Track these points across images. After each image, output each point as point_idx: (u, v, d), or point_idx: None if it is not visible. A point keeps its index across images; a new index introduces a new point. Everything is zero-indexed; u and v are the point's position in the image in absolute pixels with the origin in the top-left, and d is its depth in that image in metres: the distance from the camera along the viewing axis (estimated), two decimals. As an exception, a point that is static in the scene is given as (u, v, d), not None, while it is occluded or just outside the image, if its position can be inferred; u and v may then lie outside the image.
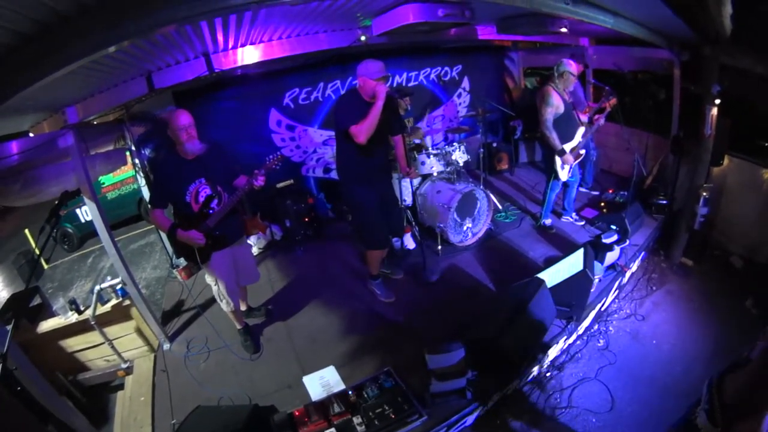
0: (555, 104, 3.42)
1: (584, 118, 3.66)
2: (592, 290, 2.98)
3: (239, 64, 2.73)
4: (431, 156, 3.87)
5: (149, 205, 2.42)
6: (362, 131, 2.40)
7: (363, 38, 2.89)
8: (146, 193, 3.89)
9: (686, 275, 3.70)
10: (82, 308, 3.08)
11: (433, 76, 5.15)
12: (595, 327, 3.25)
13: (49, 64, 1.63)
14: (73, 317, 3.07)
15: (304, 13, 2.39)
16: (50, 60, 1.62)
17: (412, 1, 2.51)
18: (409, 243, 3.93)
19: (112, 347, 3.04)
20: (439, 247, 3.78)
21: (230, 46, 2.65)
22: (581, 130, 3.61)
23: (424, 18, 2.50)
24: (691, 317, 3.25)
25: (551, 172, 3.67)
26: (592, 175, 4.60)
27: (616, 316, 3.38)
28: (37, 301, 3.78)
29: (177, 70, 2.65)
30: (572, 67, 3.39)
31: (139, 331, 3.07)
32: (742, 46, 3.07)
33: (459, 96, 5.49)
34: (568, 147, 3.55)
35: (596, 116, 3.58)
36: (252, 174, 2.27)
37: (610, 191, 4.28)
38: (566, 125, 3.51)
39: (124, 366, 3.08)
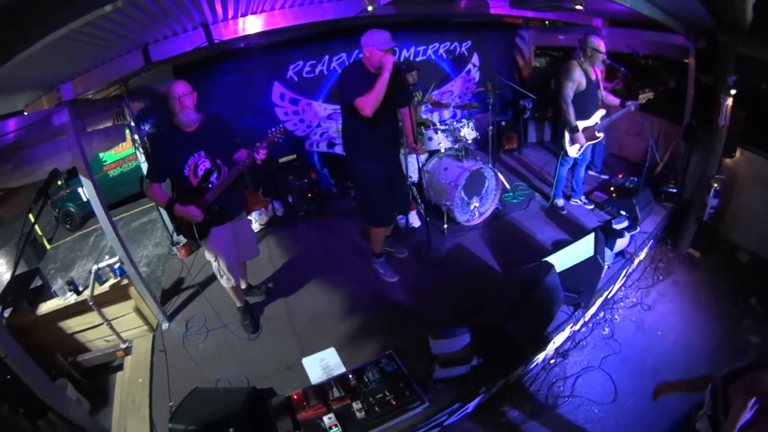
0: (577, 79, 3.32)
1: (614, 100, 3.54)
2: (601, 277, 2.90)
3: (240, 34, 2.62)
4: (439, 132, 3.74)
5: (146, 179, 2.35)
6: (368, 103, 2.31)
7: (370, 8, 2.77)
8: (145, 169, 3.76)
9: (693, 266, 3.65)
10: (80, 288, 3.05)
11: (441, 51, 5.00)
12: (601, 315, 3.20)
13: (37, 31, 1.53)
14: (71, 298, 3.04)
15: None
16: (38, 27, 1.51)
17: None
18: (414, 221, 3.84)
19: (111, 327, 3.01)
20: (445, 226, 3.69)
21: (230, 16, 2.53)
22: (600, 111, 3.51)
23: (432, -16, 2.38)
24: (696, 310, 3.21)
25: (561, 148, 3.60)
26: (601, 158, 4.50)
27: (622, 304, 3.33)
28: (38, 283, 3.78)
29: (175, 41, 2.54)
30: (599, 43, 3.27)
31: (138, 311, 3.03)
32: (762, 36, 2.94)
33: (468, 72, 5.35)
34: (582, 125, 3.45)
35: (628, 102, 3.47)
36: (253, 147, 2.19)
37: (620, 176, 4.18)
38: (585, 103, 3.41)
39: (123, 346, 3.06)
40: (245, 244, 2.72)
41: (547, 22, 5.34)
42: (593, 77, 3.43)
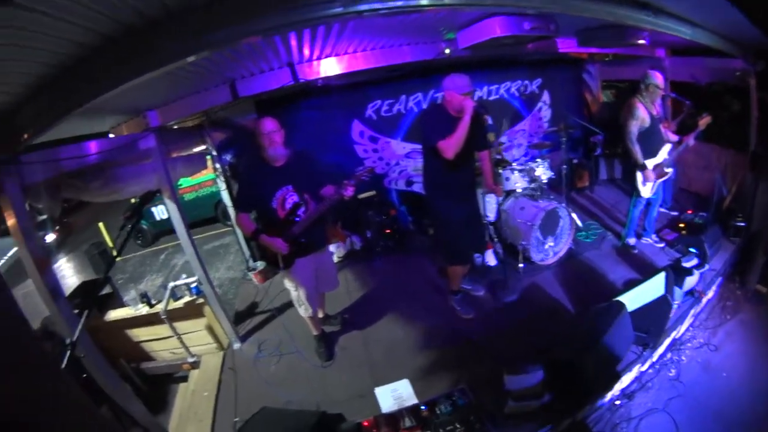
0: (641, 117, 3.28)
1: (673, 137, 3.49)
2: (670, 316, 2.83)
3: (323, 74, 2.76)
4: (515, 171, 3.80)
5: (234, 209, 2.47)
6: (450, 146, 2.37)
7: (447, 51, 2.86)
8: (226, 197, 4.01)
9: (760, 303, 3.46)
10: (153, 302, 3.21)
11: (513, 89, 5.08)
12: (668, 355, 3.08)
13: (131, 69, 1.66)
14: (143, 309, 3.19)
15: (391, 25, 2.39)
16: (133, 64, 1.64)
17: (497, 14, 2.46)
18: (490, 260, 3.85)
19: (181, 341, 3.14)
20: (521, 265, 3.70)
21: (315, 57, 2.68)
22: (666, 147, 3.45)
23: (510, 31, 2.45)
24: (762, 350, 3.03)
25: (634, 189, 3.54)
26: (671, 194, 4.37)
27: (689, 344, 3.19)
28: (107, 290, 4.00)
29: (261, 78, 2.71)
30: (658, 78, 3.24)
31: (210, 329, 3.15)
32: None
33: (540, 110, 5.38)
34: (650, 163, 3.40)
35: (686, 136, 3.42)
36: (341, 184, 2.27)
37: (689, 212, 4.06)
38: (651, 140, 3.37)
39: (190, 360, 3.17)
40: (326, 275, 2.78)
41: (609, 57, 5.29)
42: (656, 113, 3.40)
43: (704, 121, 3.41)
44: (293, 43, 2.41)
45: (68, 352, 1.53)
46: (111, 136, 3.51)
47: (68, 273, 6.70)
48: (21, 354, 1.04)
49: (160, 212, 6.62)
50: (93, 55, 1.61)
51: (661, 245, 3.87)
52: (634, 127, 3.29)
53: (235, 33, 1.53)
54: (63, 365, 1.49)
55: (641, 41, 3.31)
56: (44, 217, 8.30)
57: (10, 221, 1.98)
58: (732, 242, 3.77)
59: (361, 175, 2.29)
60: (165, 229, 6.69)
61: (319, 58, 2.73)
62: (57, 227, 8.75)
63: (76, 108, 1.80)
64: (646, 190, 3.49)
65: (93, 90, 1.75)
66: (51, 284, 2.08)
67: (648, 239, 3.93)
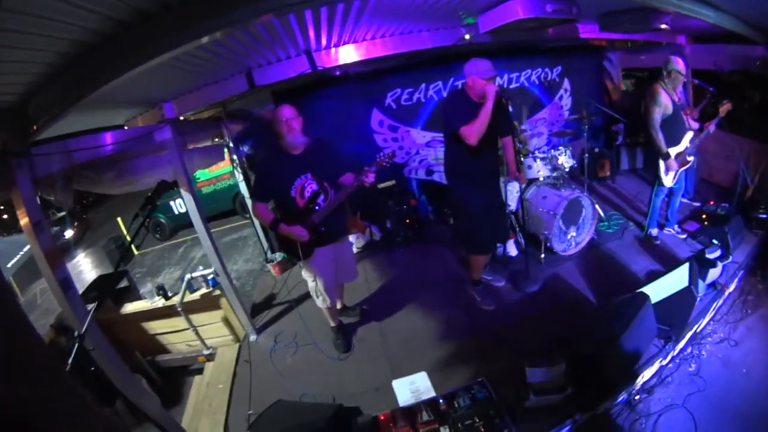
0: (664, 104, 3.20)
1: (694, 124, 3.40)
2: (693, 309, 2.76)
3: (341, 62, 2.72)
4: (538, 160, 3.74)
5: (251, 199, 2.45)
6: (473, 132, 2.32)
7: (467, 36, 2.80)
8: (243, 189, 3.98)
9: (781, 298, 3.39)
10: (169, 294, 3.22)
11: (534, 77, 4.99)
12: (689, 350, 3.02)
13: (145, 54, 1.64)
14: (159, 302, 3.20)
15: (410, 9, 2.33)
16: (146, 49, 1.62)
17: (519, -4, 2.40)
18: (512, 250, 3.80)
19: (197, 334, 3.15)
20: (542, 256, 3.63)
21: (333, 44, 2.64)
22: (689, 134, 3.37)
23: (533, 13, 2.39)
24: None
25: (656, 178, 3.48)
26: (693, 184, 4.30)
27: (709, 339, 3.13)
28: (124, 283, 4.03)
29: (278, 67, 2.67)
30: (680, 65, 3.16)
31: (226, 321, 3.16)
32: None
33: (560, 98, 5.30)
34: (673, 151, 3.33)
35: (707, 123, 3.32)
36: (362, 171, 2.24)
37: (712, 202, 3.97)
38: (674, 127, 3.29)
39: (206, 352, 3.19)
40: (345, 266, 2.75)
41: (629, 44, 5.19)
42: (678, 99, 3.31)
43: (725, 108, 3.31)
44: (311, 29, 2.36)
45: (76, 345, 1.51)
46: (126, 128, 3.52)
47: (86, 268, 6.78)
48: (23, 354, 1.02)
49: (178, 206, 6.66)
50: (106, 42, 1.59)
51: (684, 236, 3.80)
52: (657, 114, 3.21)
53: (251, 12, 1.49)
54: (70, 360, 1.46)
55: (664, 26, 3.22)
56: (63, 213, 8.45)
57: (21, 215, 1.97)
58: (755, 234, 3.68)
59: (383, 162, 2.26)
60: (183, 222, 6.75)
61: (336, 45, 2.68)
62: (75, 223, 8.89)
63: (89, 94, 1.78)
64: (668, 179, 3.42)
65: (106, 76, 1.73)
66: (61, 277, 2.07)
67: (670, 230, 3.86)
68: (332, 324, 2.91)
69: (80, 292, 3.70)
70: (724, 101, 3.28)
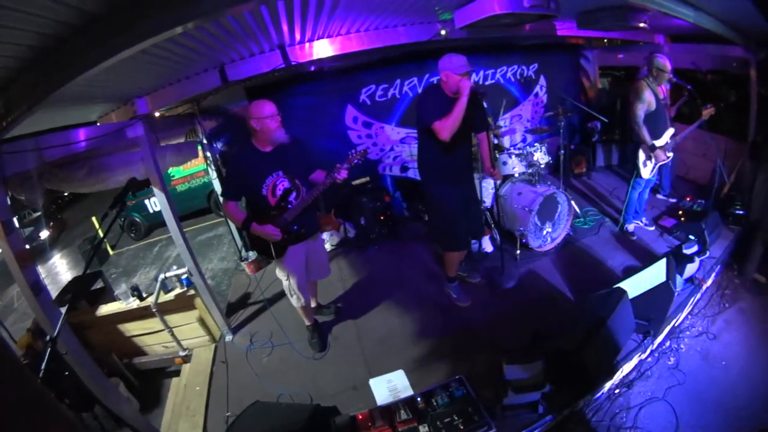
0: (648, 100, 3.25)
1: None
2: (671, 303, 2.79)
3: (315, 57, 2.67)
4: (513, 156, 3.73)
5: (222, 198, 2.39)
6: (446, 127, 2.30)
7: (443, 32, 2.77)
8: (218, 186, 3.91)
9: (758, 293, 3.44)
10: (144, 295, 3.14)
11: (510, 74, 5.00)
12: (667, 344, 3.05)
13: (116, 46, 1.57)
14: (134, 303, 3.12)
15: (386, 2, 2.30)
16: (117, 41, 1.56)
17: (495, -9, 2.38)
18: (487, 246, 3.80)
19: (172, 335, 3.07)
20: (518, 252, 3.64)
21: (307, 39, 2.59)
22: (670, 130, 3.41)
23: (509, 9, 2.37)
24: (761, 339, 3.01)
25: (635, 169, 3.52)
26: (669, 181, 4.37)
27: (688, 333, 3.17)
28: (99, 285, 3.92)
29: (252, 62, 2.62)
30: (666, 62, 3.20)
31: (202, 321, 3.09)
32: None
33: (536, 95, 5.32)
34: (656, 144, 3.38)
35: (688, 125, 3.40)
36: (333, 168, 2.20)
37: (688, 199, 4.03)
38: (656, 124, 3.33)
39: (182, 354, 3.12)
40: (317, 263, 2.72)
41: (606, 41, 5.24)
42: (662, 96, 3.36)
43: (708, 112, 3.38)
44: (284, 23, 2.31)
45: (49, 350, 1.45)
46: (98, 124, 3.43)
47: (62, 269, 6.60)
48: None
49: (153, 204, 6.54)
50: (74, 35, 1.52)
51: (652, 228, 3.88)
52: (640, 110, 3.26)
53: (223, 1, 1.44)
54: (43, 365, 1.40)
55: (642, 24, 3.26)
56: (38, 213, 8.23)
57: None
58: (731, 230, 3.74)
59: (354, 158, 2.23)
60: (159, 221, 6.61)
61: (311, 40, 2.64)
62: (51, 223, 8.66)
63: (59, 88, 1.71)
64: (646, 171, 3.47)
65: (76, 68, 1.66)
66: (32, 280, 2.00)
67: (638, 222, 3.91)
68: (307, 323, 2.88)
69: (56, 294, 3.61)
70: (708, 105, 3.35)
